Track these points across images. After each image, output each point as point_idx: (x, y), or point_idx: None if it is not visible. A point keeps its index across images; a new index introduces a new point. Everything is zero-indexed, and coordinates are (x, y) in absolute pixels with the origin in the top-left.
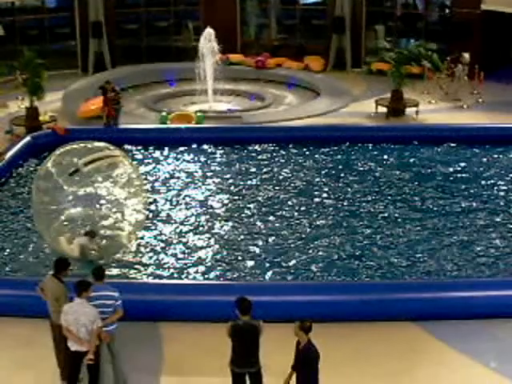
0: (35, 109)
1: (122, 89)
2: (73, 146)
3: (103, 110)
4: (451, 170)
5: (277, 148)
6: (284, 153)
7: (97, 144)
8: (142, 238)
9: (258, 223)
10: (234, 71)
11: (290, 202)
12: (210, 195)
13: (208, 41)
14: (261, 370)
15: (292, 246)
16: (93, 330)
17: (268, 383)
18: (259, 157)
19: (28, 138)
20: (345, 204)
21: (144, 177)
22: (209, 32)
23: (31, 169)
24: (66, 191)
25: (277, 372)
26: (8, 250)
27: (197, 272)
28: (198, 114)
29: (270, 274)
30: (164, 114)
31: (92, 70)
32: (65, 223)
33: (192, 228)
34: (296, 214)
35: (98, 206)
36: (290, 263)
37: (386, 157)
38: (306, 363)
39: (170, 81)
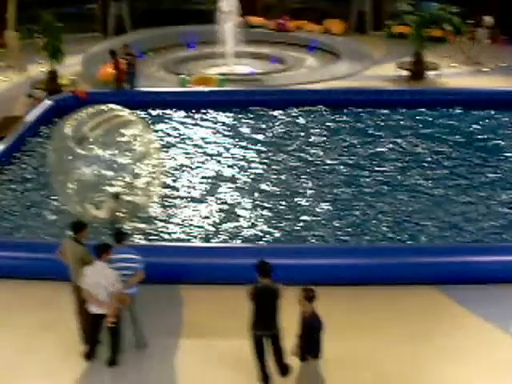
0: (55, 72)
1: (142, 52)
2: (79, 114)
3: (114, 74)
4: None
5: (306, 110)
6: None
7: (101, 107)
8: (161, 200)
9: (287, 184)
10: (255, 34)
11: (316, 164)
12: (235, 157)
13: (228, 3)
14: (280, 332)
15: (323, 208)
16: (113, 293)
17: (288, 346)
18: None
19: (48, 101)
20: (379, 169)
21: (163, 140)
22: None
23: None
24: (78, 156)
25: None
26: (28, 211)
27: (219, 234)
28: (219, 76)
29: (292, 237)
30: (184, 76)
31: (112, 34)
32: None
33: (213, 190)
34: (327, 175)
35: (111, 168)
36: (320, 227)
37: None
38: (310, 333)
39: (190, 44)
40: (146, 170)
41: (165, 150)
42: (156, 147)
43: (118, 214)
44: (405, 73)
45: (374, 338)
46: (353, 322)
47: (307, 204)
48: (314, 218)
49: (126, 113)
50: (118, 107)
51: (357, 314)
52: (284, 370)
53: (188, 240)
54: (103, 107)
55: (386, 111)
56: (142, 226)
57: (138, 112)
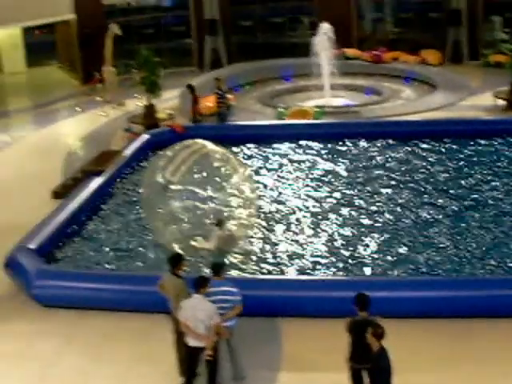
0: (152, 106)
1: (239, 85)
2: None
3: (192, 108)
4: None
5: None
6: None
7: (188, 142)
8: (258, 232)
9: (378, 218)
10: (350, 66)
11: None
12: (334, 188)
13: (324, 36)
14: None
15: (414, 241)
16: (211, 326)
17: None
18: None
19: (146, 136)
20: (472, 199)
21: (260, 172)
22: (324, 27)
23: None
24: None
25: (395, 368)
26: (127, 245)
27: (314, 268)
28: (316, 109)
29: (387, 269)
30: (281, 109)
31: (208, 68)
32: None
33: (309, 224)
34: (420, 211)
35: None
36: (415, 259)
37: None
38: (377, 372)
39: (285, 77)
40: (240, 201)
41: (262, 181)
42: (249, 179)
43: (227, 240)
44: (501, 102)
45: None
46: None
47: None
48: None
49: (213, 147)
50: (205, 142)
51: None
52: None
53: (286, 273)
54: (190, 143)
55: (483, 142)
56: (240, 258)
57: (234, 146)
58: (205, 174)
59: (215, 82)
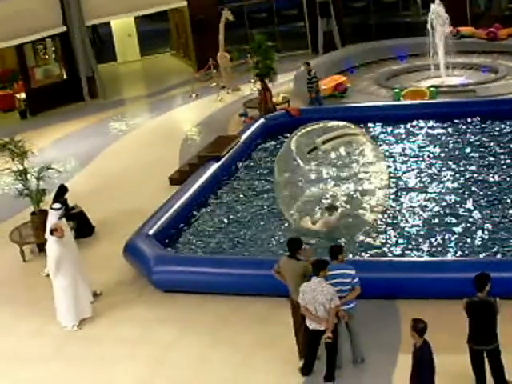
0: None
1: (354, 67)
2: (313, 126)
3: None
4: None
5: None
6: None
7: (336, 123)
8: (383, 215)
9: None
10: (465, 44)
11: None
12: (451, 169)
13: (437, 14)
14: (499, 347)
15: None
16: (330, 309)
17: (506, 361)
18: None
19: (262, 120)
20: None
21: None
22: (437, 5)
23: (266, 150)
24: (305, 170)
25: None
26: (246, 232)
27: (433, 249)
28: (431, 89)
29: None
30: (397, 90)
31: (322, 50)
32: (306, 200)
33: (431, 206)
34: None
35: (336, 184)
36: None
37: None
38: (420, 369)
39: (400, 57)
40: (372, 185)
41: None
42: (383, 164)
43: (333, 226)
44: None
45: None
46: None
47: None
48: None
49: (357, 130)
50: (348, 123)
51: None
52: None
53: (406, 254)
54: (337, 123)
55: None
56: (363, 241)
57: None
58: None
59: (305, 67)
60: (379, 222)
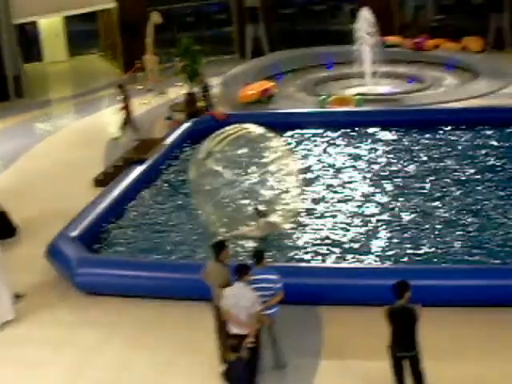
0: (194, 94)
1: (281, 73)
2: (228, 131)
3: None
4: None
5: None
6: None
7: (253, 126)
8: (301, 220)
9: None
10: (392, 53)
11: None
12: (371, 179)
13: (364, 23)
14: (419, 354)
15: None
16: (253, 314)
17: (427, 367)
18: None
19: (187, 123)
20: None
21: (302, 160)
22: (365, 14)
23: (191, 154)
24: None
25: (435, 356)
26: (171, 235)
27: (356, 255)
28: (357, 96)
29: (430, 257)
30: (323, 97)
31: (250, 56)
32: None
33: (350, 211)
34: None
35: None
36: (451, 247)
37: None
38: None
39: (327, 64)
40: (283, 188)
41: (303, 169)
42: (294, 165)
43: (270, 229)
44: None
45: None
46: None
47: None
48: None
49: (262, 130)
50: (255, 126)
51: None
52: None
53: (327, 260)
54: (241, 126)
55: None
56: (282, 245)
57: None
58: (247, 156)
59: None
60: (299, 228)
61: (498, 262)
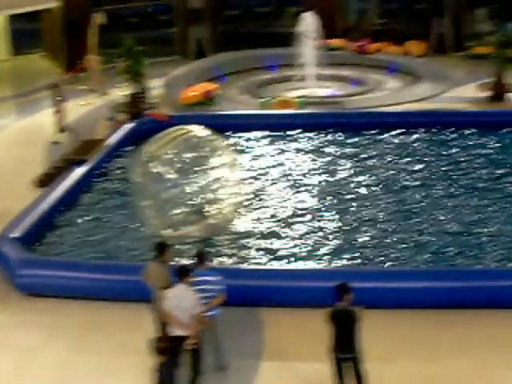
0: (137, 95)
1: (224, 75)
2: (169, 133)
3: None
4: None
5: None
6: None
7: (195, 127)
8: (243, 221)
9: (359, 210)
10: (335, 56)
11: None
12: (318, 179)
13: (307, 26)
14: (360, 355)
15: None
16: (194, 315)
17: (370, 368)
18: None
19: (129, 124)
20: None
21: (245, 163)
22: (308, 17)
23: (133, 155)
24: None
25: (377, 357)
26: (113, 235)
27: (298, 258)
28: (300, 99)
29: (372, 260)
30: (266, 99)
31: (193, 57)
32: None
33: (292, 214)
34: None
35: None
36: (396, 250)
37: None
38: None
39: (271, 66)
40: (225, 189)
41: (246, 171)
42: (235, 166)
43: (212, 230)
44: (485, 94)
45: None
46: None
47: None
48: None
49: (203, 132)
50: (199, 128)
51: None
52: None
53: (269, 263)
54: (184, 128)
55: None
56: (224, 247)
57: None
58: (189, 158)
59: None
60: (240, 229)
61: (444, 264)
